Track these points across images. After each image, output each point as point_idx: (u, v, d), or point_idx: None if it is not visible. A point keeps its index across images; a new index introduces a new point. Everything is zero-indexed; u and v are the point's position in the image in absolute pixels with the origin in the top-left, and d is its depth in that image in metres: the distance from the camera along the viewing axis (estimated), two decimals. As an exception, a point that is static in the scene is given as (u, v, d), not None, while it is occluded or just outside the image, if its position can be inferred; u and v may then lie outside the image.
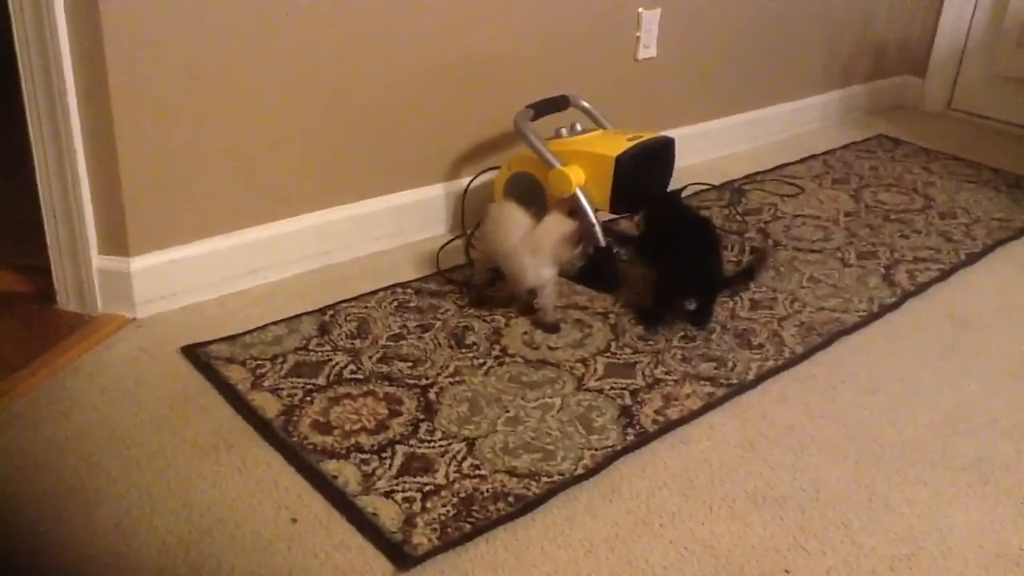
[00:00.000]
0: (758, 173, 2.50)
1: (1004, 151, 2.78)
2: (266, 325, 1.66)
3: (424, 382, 1.52)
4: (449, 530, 1.21)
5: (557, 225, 1.69)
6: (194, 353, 1.57)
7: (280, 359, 1.56)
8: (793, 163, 2.59)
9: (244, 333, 1.63)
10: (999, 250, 2.12)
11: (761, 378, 1.59)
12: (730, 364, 1.62)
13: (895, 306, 1.85)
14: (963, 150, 2.76)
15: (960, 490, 1.36)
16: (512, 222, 1.70)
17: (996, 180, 2.54)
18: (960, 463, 1.42)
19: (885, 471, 1.39)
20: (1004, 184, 2.51)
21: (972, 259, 2.06)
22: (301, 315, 1.70)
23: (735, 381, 1.57)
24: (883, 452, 1.43)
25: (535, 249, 1.66)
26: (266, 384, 1.50)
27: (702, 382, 1.56)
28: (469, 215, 2.04)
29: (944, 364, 1.68)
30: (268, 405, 1.45)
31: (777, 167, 2.55)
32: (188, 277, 1.72)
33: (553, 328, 1.70)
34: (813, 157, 2.65)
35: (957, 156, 2.71)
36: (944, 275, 1.98)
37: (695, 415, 1.48)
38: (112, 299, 1.67)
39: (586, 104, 2.03)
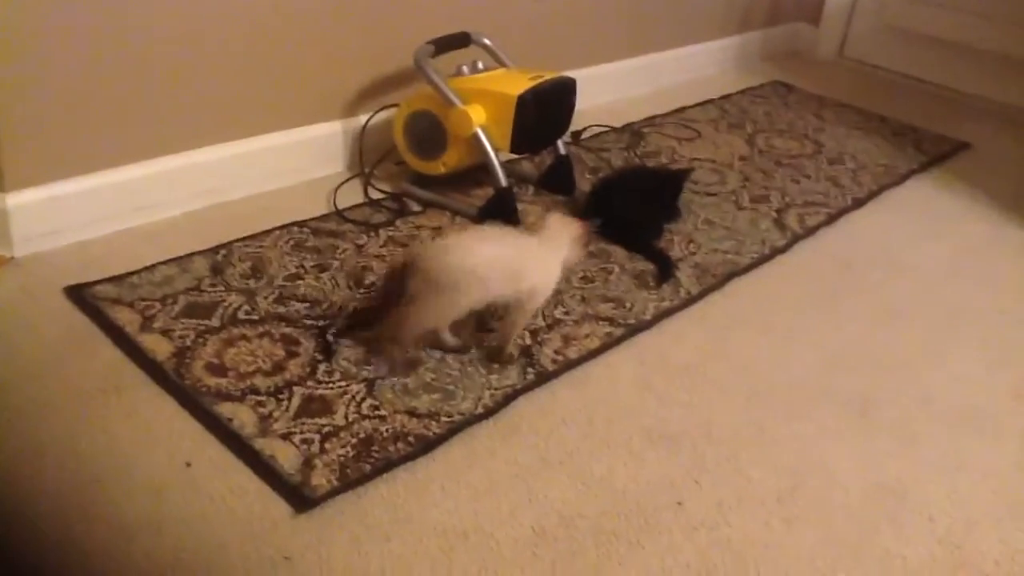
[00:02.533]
0: (657, 116, 2.52)
1: (891, 99, 2.88)
2: (155, 265, 1.60)
3: (322, 323, 1.50)
4: (348, 471, 1.21)
5: (567, 226, 1.47)
6: (79, 294, 1.50)
7: (171, 300, 1.51)
8: (691, 107, 2.62)
9: (132, 273, 1.57)
10: (883, 195, 2.20)
11: (658, 318, 1.62)
12: (628, 304, 1.64)
13: (785, 248, 1.90)
14: (853, 98, 2.84)
15: (842, 425, 1.43)
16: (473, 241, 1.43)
17: (883, 128, 2.63)
18: (843, 399, 1.48)
19: (773, 408, 1.44)
20: (890, 132, 2.60)
21: (858, 204, 2.13)
22: (192, 254, 1.64)
23: (633, 321, 1.60)
24: (771, 390, 1.49)
25: (554, 247, 1.44)
26: (156, 326, 1.45)
27: (601, 322, 1.58)
28: (367, 153, 2.00)
29: (830, 305, 1.74)
30: (159, 347, 1.40)
31: (675, 111, 2.57)
32: (70, 214, 1.64)
33: (509, 360, 1.45)
34: (710, 101, 2.68)
35: (847, 103, 2.79)
36: (831, 219, 2.05)
37: (594, 355, 1.50)
38: (-13, 237, 1.58)
39: (488, 42, 2.00)
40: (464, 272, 1.34)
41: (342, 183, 1.95)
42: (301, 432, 1.27)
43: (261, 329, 1.47)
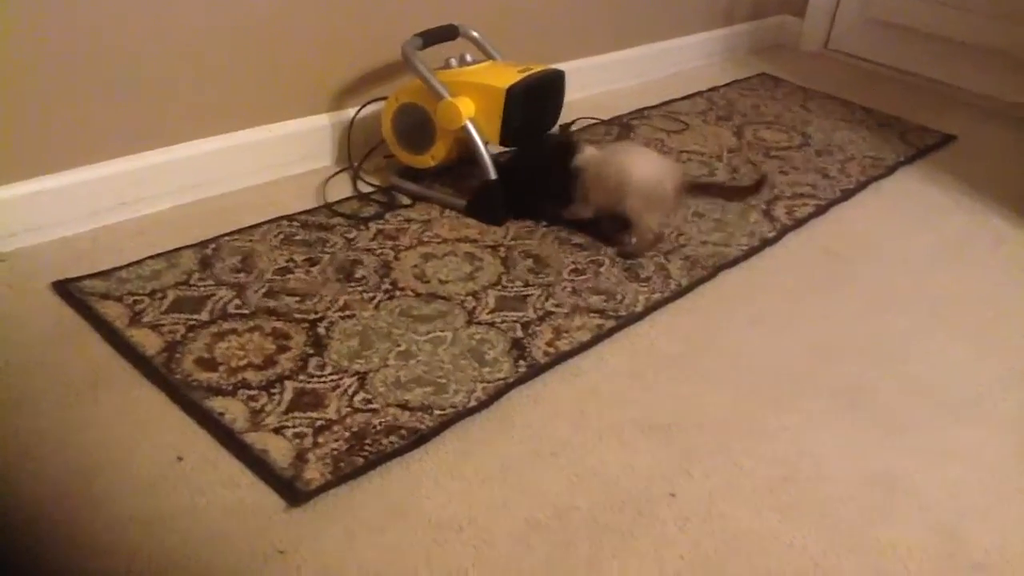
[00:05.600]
0: (645, 108, 2.52)
1: (877, 91, 2.89)
2: (143, 259, 1.58)
3: (313, 316, 1.49)
4: (341, 464, 1.20)
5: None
6: (66, 289, 1.49)
7: (159, 294, 1.50)
8: (679, 99, 2.63)
9: (120, 268, 1.56)
10: (871, 187, 2.21)
11: (648, 310, 1.62)
12: (619, 297, 1.64)
13: (775, 240, 1.91)
14: (839, 90, 2.85)
15: (831, 415, 1.43)
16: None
17: (868, 119, 2.64)
18: (833, 389, 1.49)
19: (764, 398, 1.45)
20: (876, 123, 2.61)
21: (846, 195, 2.14)
22: (181, 249, 1.63)
23: (623, 313, 1.60)
24: (762, 380, 1.49)
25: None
26: (145, 320, 1.44)
27: (592, 314, 1.58)
28: (356, 146, 1.99)
29: (818, 296, 1.75)
30: (148, 342, 1.39)
31: (664, 103, 2.58)
32: (56, 209, 1.62)
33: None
34: (698, 94, 2.69)
35: (833, 95, 2.80)
36: (820, 210, 2.05)
37: (585, 347, 1.50)
38: (-28, 232, 1.56)
39: (476, 34, 1.99)
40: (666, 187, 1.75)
41: (331, 177, 1.95)
42: (293, 426, 1.26)
43: (251, 323, 1.46)
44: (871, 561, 1.17)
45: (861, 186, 2.20)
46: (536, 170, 1.84)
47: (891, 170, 2.31)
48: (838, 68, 3.15)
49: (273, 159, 1.92)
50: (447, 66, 1.89)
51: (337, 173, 1.97)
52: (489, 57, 1.99)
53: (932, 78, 3.01)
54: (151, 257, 1.59)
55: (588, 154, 1.79)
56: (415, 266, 1.67)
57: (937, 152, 2.47)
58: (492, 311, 1.56)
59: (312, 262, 1.64)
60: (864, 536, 1.21)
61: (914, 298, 1.77)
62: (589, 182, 1.76)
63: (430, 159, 1.90)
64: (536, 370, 1.43)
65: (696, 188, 1.92)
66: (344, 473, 1.19)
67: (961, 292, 1.81)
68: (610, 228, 1.81)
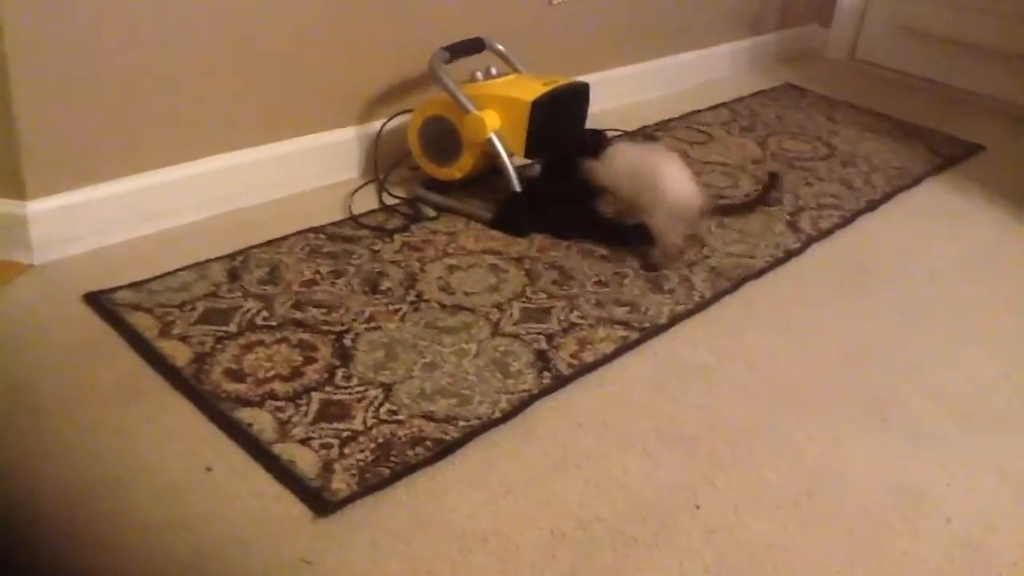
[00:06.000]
0: (669, 120, 2.52)
1: (903, 101, 2.87)
2: (173, 271, 1.61)
3: (339, 328, 1.51)
4: (368, 475, 1.22)
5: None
6: (98, 300, 1.52)
7: (189, 306, 1.52)
8: (703, 110, 2.63)
9: (150, 279, 1.58)
10: (897, 197, 2.20)
11: (673, 321, 1.62)
12: (643, 308, 1.65)
13: (799, 251, 1.90)
14: (865, 100, 2.84)
15: (858, 427, 1.43)
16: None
17: (895, 130, 2.63)
18: (858, 402, 1.48)
19: (788, 410, 1.45)
20: (902, 134, 2.60)
21: (872, 206, 2.13)
22: (210, 260, 1.65)
23: (647, 325, 1.60)
24: (787, 392, 1.49)
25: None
26: (175, 332, 1.46)
27: (616, 326, 1.59)
28: (382, 159, 2.01)
29: (844, 307, 1.75)
30: (178, 353, 1.41)
31: (687, 114, 2.58)
32: (90, 221, 1.65)
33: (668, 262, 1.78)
34: (722, 105, 2.69)
35: (859, 106, 2.79)
36: (846, 221, 2.05)
37: (609, 358, 1.51)
38: (7, 244, 1.59)
39: (501, 47, 2.01)
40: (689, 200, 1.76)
41: (357, 189, 1.97)
42: (320, 437, 1.27)
43: (278, 335, 1.48)
44: (896, 573, 1.17)
45: (887, 197, 2.19)
46: (564, 169, 1.84)
47: (917, 181, 2.30)
48: (864, 78, 3.13)
49: (301, 171, 1.94)
50: (473, 79, 1.91)
51: (363, 185, 1.99)
52: (514, 70, 2.01)
53: (960, 87, 2.99)
54: (181, 269, 1.62)
55: (623, 146, 1.80)
56: (440, 278, 1.68)
57: (965, 162, 2.46)
58: (516, 323, 1.57)
59: (338, 274, 1.66)
60: (889, 549, 1.20)
61: (940, 309, 1.76)
62: (621, 171, 1.76)
63: (456, 171, 1.92)
64: (560, 381, 1.44)
65: (719, 210, 1.93)
66: (370, 484, 1.20)
67: (988, 303, 1.80)
68: (633, 238, 1.81)
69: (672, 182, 1.74)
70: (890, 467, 1.35)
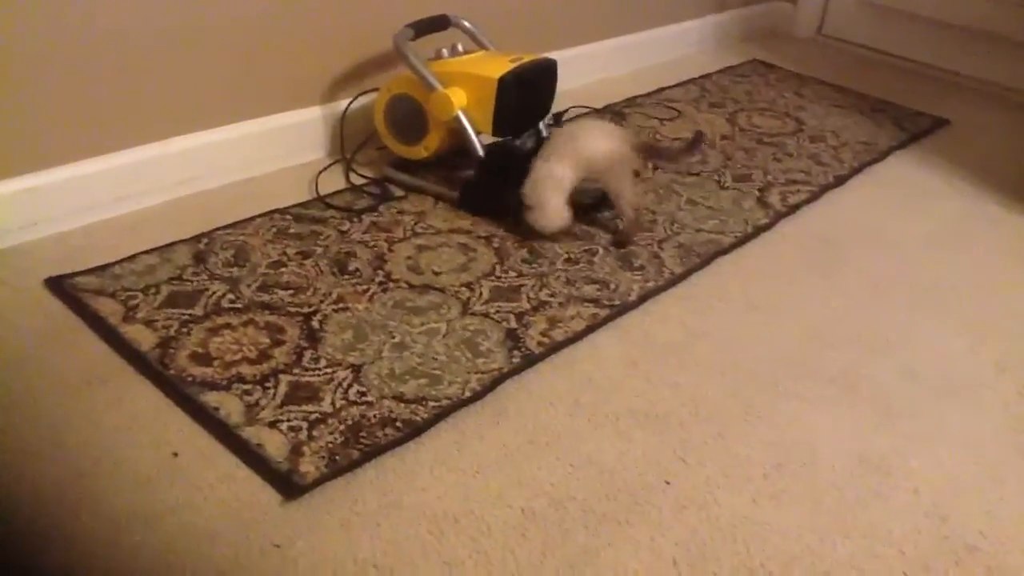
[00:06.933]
0: (638, 96, 2.52)
1: (870, 77, 2.89)
2: (137, 254, 1.58)
3: (307, 310, 1.49)
4: (337, 457, 1.21)
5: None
6: (60, 286, 1.49)
7: (153, 290, 1.50)
8: (671, 87, 2.62)
9: (113, 263, 1.55)
10: (864, 172, 2.21)
11: (643, 299, 1.62)
12: (612, 286, 1.64)
13: (768, 227, 1.91)
14: (832, 75, 2.84)
15: (826, 401, 1.44)
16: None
17: (861, 104, 2.64)
18: (826, 376, 1.49)
19: (758, 385, 1.45)
20: (869, 108, 2.61)
21: (840, 181, 2.14)
22: (174, 243, 1.63)
23: (618, 302, 1.60)
24: (756, 367, 1.49)
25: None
26: (139, 316, 1.44)
27: (586, 304, 1.58)
28: (348, 138, 1.99)
29: (813, 282, 1.75)
30: (142, 338, 1.39)
31: (656, 91, 2.57)
32: (49, 205, 1.62)
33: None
34: (691, 81, 2.68)
35: (826, 81, 2.80)
36: (814, 197, 2.05)
37: (579, 336, 1.51)
38: (-36, 230, 1.56)
39: (467, 24, 1.99)
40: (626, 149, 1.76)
41: (323, 169, 1.94)
42: (288, 420, 1.26)
43: (245, 317, 1.46)
44: (866, 545, 1.18)
45: (855, 172, 2.20)
46: (512, 158, 1.82)
47: (885, 155, 2.31)
48: (832, 54, 3.14)
49: (266, 152, 1.91)
50: (439, 56, 1.89)
51: (330, 165, 1.96)
52: (481, 47, 1.99)
53: (927, 63, 3.01)
54: (144, 252, 1.59)
55: (549, 144, 1.77)
56: (409, 258, 1.67)
57: (931, 137, 2.47)
58: (486, 302, 1.56)
59: (305, 255, 1.64)
60: (859, 521, 1.21)
61: (909, 283, 1.78)
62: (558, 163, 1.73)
63: (423, 150, 1.90)
64: (531, 360, 1.43)
65: (647, 148, 1.93)
66: (340, 466, 1.19)
67: (956, 277, 1.82)
68: (593, 209, 1.82)
69: (597, 140, 1.74)
70: (859, 439, 1.36)
